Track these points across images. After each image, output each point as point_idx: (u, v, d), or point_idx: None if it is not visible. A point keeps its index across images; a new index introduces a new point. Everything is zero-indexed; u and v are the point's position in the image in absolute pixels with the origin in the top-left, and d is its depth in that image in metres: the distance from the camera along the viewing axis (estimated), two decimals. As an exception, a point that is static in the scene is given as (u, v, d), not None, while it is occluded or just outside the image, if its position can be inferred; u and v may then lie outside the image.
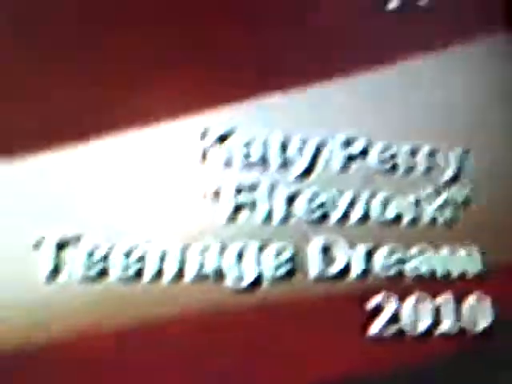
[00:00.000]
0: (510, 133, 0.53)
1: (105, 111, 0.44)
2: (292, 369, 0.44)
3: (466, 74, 0.53)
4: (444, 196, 0.50)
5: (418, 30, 0.51)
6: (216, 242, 0.44)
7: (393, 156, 0.49)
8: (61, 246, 0.42)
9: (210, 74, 0.46)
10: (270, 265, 0.45)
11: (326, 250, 0.46)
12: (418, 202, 0.49)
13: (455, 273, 0.47)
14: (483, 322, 0.47)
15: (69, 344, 0.41)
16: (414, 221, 0.48)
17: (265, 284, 0.44)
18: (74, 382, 0.40)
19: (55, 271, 0.42)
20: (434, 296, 0.46)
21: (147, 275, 0.43)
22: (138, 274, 0.43)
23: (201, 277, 0.44)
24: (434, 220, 0.49)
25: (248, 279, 0.44)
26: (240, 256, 0.45)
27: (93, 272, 0.42)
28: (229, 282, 0.44)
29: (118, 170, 0.44)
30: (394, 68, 0.50)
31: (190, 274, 0.43)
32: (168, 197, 0.45)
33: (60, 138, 0.43)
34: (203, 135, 0.46)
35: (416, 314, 0.46)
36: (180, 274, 0.43)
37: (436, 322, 0.46)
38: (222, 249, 0.44)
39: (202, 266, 0.44)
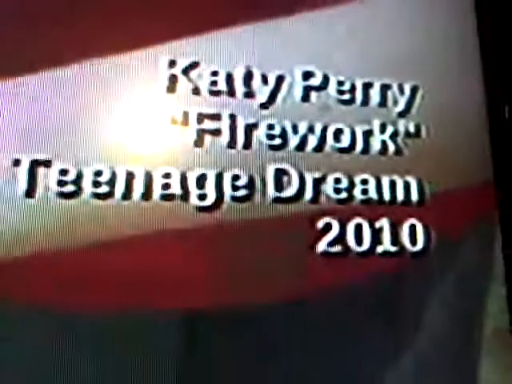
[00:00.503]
0: (461, 73, 0.57)
1: (78, 42, 0.48)
2: (246, 280, 0.49)
3: (424, 16, 0.56)
4: (393, 129, 0.54)
5: None
6: (181, 164, 0.49)
7: (348, 90, 0.53)
8: (34, 167, 0.46)
9: (178, 8, 0.50)
10: (229, 187, 0.49)
11: (282, 175, 0.51)
12: (369, 133, 0.53)
13: (398, 199, 0.52)
14: (419, 244, 0.52)
15: (47, 254, 0.45)
16: (365, 150, 0.53)
17: (225, 203, 0.49)
18: (51, 289, 0.45)
19: (31, 189, 0.46)
20: (376, 219, 0.51)
21: (117, 193, 0.47)
22: (109, 192, 0.47)
23: (167, 196, 0.48)
24: (383, 150, 0.53)
25: (210, 198, 0.49)
26: (203, 178, 0.49)
27: (66, 189, 0.46)
28: (193, 200, 0.48)
29: (88, 98, 0.48)
30: (352, 6, 0.53)
31: (156, 194, 0.48)
32: (132, 125, 0.48)
33: (34, 68, 0.46)
34: (171, 65, 0.50)
35: (359, 234, 0.51)
36: (148, 193, 0.48)
37: (377, 241, 0.51)
38: (187, 171, 0.49)
39: (168, 186, 0.48)
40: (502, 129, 0.56)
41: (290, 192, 0.51)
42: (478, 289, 0.53)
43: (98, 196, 0.46)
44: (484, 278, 0.53)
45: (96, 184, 0.46)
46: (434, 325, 0.52)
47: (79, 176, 0.46)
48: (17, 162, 0.46)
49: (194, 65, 0.50)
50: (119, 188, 0.47)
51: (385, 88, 0.54)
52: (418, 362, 0.51)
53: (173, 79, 0.50)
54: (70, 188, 0.46)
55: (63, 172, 0.46)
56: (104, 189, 0.47)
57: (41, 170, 0.46)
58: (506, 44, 0.58)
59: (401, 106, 0.54)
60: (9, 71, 0.46)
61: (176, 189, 0.48)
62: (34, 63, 0.47)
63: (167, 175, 0.48)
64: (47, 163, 0.46)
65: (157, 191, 0.47)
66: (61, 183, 0.46)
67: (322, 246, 0.50)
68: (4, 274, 0.44)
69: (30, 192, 0.45)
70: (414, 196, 0.53)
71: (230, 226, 0.49)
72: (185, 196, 0.48)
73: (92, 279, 0.45)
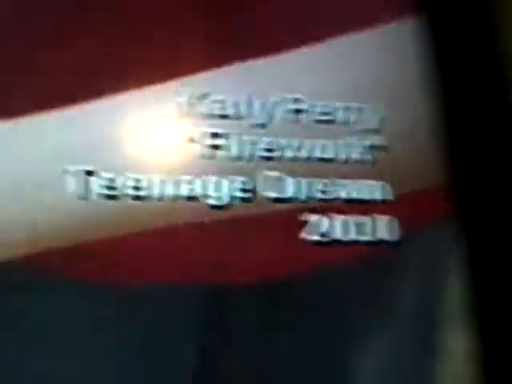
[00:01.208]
0: (421, 98, 0.70)
1: (117, 76, 0.61)
2: (252, 262, 0.62)
3: (385, 52, 0.70)
4: (367, 143, 0.68)
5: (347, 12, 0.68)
6: (198, 173, 0.62)
7: (330, 113, 0.67)
8: (85, 175, 0.59)
9: (191, 50, 0.64)
10: (236, 190, 0.63)
11: (278, 181, 0.64)
12: (348, 146, 0.67)
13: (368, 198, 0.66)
14: (390, 236, 0.65)
15: (97, 247, 0.58)
16: (345, 161, 0.67)
17: (233, 204, 0.63)
18: (99, 282, 0.58)
19: (83, 193, 0.59)
20: (353, 215, 0.65)
21: (151, 196, 0.61)
22: (146, 195, 0.61)
23: (189, 197, 0.62)
24: (360, 161, 0.67)
25: (223, 200, 0.62)
26: (217, 184, 0.62)
27: (110, 192, 0.60)
28: (209, 201, 0.62)
29: (121, 125, 0.61)
30: (325, 44, 0.67)
31: (182, 196, 0.61)
32: (160, 143, 0.62)
33: (79, 98, 0.60)
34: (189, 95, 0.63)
35: (343, 227, 0.64)
36: (175, 195, 0.61)
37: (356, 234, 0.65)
38: (204, 178, 0.62)
39: (191, 190, 0.62)
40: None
41: (285, 194, 0.64)
42: (435, 282, 0.66)
43: (137, 198, 0.60)
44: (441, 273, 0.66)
45: (136, 189, 0.60)
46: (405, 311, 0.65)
47: (121, 183, 0.60)
48: (68, 173, 0.59)
49: (206, 95, 0.64)
50: (155, 191, 0.60)
51: (358, 111, 0.68)
52: (393, 350, 0.63)
53: (190, 106, 0.63)
54: (112, 191, 0.60)
55: (109, 180, 0.60)
56: (142, 193, 0.60)
57: (88, 179, 0.59)
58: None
59: (372, 125, 0.68)
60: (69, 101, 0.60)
61: (197, 192, 0.61)
62: (77, 96, 0.60)
63: (190, 182, 0.61)
64: (93, 174, 0.60)
65: (182, 194, 0.61)
66: (107, 188, 0.60)
67: (310, 235, 0.64)
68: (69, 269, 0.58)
69: (83, 195, 0.59)
70: (381, 197, 0.66)
71: (238, 220, 0.62)
72: (203, 197, 0.62)
73: (131, 258, 0.59)
